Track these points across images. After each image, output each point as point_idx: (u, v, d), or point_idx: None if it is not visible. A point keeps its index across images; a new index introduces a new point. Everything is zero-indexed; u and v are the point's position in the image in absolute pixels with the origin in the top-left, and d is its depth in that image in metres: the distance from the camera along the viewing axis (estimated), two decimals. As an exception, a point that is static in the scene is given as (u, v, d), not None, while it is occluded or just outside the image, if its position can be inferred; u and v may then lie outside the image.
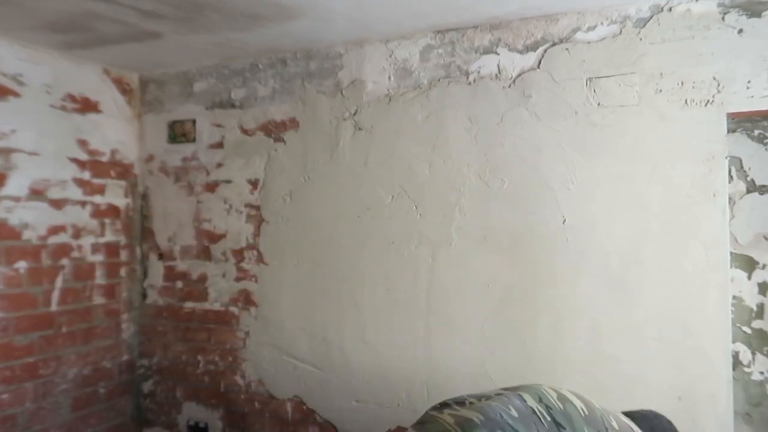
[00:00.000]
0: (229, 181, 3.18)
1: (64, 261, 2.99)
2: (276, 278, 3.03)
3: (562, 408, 1.27)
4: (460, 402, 1.29)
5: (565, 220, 2.39)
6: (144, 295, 3.42)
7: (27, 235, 2.82)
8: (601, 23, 2.35)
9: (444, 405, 1.29)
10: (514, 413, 1.22)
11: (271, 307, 3.05)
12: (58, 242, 2.96)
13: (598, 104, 2.34)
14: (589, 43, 2.37)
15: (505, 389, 1.34)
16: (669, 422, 1.66)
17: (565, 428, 1.24)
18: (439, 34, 2.65)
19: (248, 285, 3.11)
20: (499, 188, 2.51)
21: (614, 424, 1.30)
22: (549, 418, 1.25)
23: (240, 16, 2.45)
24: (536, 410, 1.25)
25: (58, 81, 2.97)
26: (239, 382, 3.12)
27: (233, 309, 3.15)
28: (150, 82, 3.42)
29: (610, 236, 2.31)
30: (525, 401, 1.27)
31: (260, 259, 3.08)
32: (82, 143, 3.10)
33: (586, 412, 1.28)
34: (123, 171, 3.34)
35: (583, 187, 2.36)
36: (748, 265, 2.37)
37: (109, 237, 3.25)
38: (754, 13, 2.12)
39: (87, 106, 3.13)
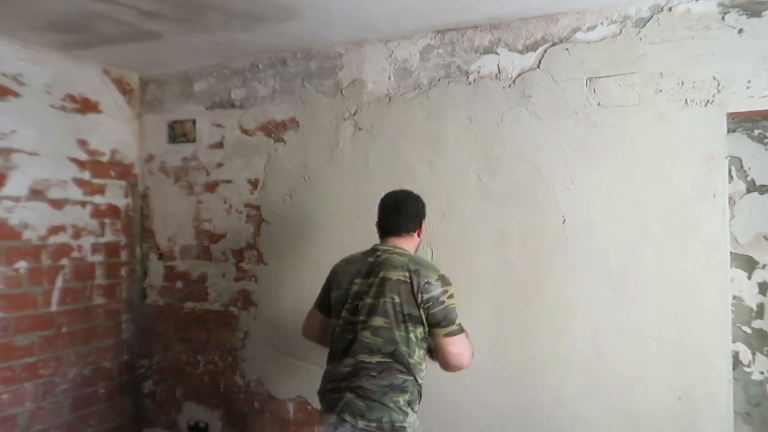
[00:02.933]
0: (229, 181, 3.18)
1: (64, 261, 2.99)
2: (276, 278, 3.03)
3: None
4: None
5: (565, 220, 2.39)
6: (144, 295, 3.42)
7: (27, 235, 2.82)
8: (601, 23, 2.35)
9: None
10: None
11: (270, 307, 3.05)
12: (58, 242, 2.96)
13: (598, 104, 2.34)
14: (589, 43, 2.37)
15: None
16: None
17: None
18: (439, 34, 2.65)
19: (248, 285, 3.11)
20: (498, 188, 2.51)
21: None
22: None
23: (240, 16, 2.45)
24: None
25: (58, 81, 2.97)
26: (239, 382, 3.12)
27: (233, 309, 3.15)
28: (150, 82, 3.42)
29: (610, 236, 2.31)
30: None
31: (260, 259, 3.08)
32: (82, 143, 3.10)
33: None
34: (123, 171, 3.34)
35: (583, 187, 2.36)
36: (748, 265, 2.36)
37: (109, 237, 3.25)
38: (754, 13, 2.12)
39: (87, 106, 3.13)
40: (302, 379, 2.93)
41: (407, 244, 2.08)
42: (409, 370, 1.92)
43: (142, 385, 3.41)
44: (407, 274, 1.92)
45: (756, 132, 2.35)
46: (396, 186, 2.68)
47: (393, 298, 1.92)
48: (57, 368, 2.94)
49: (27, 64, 2.82)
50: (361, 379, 1.91)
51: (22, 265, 2.79)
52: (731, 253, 2.24)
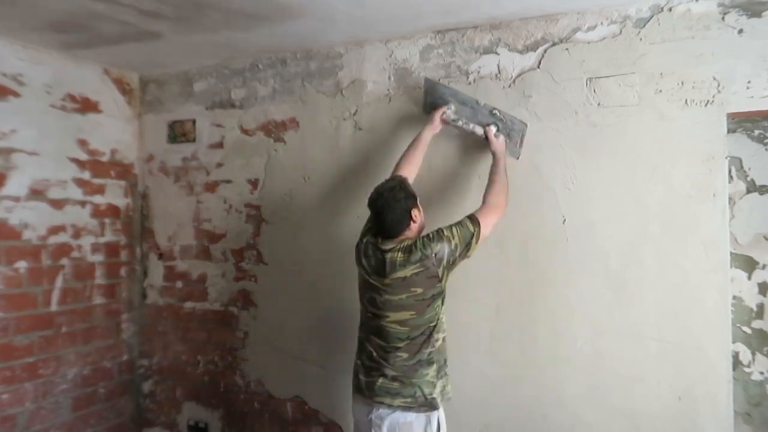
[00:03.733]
0: (229, 181, 3.18)
1: (64, 261, 2.99)
2: (276, 278, 3.03)
3: None
4: None
5: (565, 220, 2.39)
6: (144, 295, 3.42)
7: (27, 235, 2.82)
8: (601, 23, 2.35)
9: None
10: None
11: (270, 307, 3.05)
12: (58, 242, 2.96)
13: (598, 104, 2.34)
14: (589, 43, 2.37)
15: None
16: None
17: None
18: (439, 34, 2.65)
19: (248, 285, 3.11)
20: (499, 188, 2.51)
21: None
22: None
23: (240, 16, 2.45)
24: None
25: (58, 81, 2.97)
26: (239, 382, 3.12)
27: (233, 309, 3.15)
28: (150, 82, 3.42)
29: (610, 236, 2.31)
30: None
31: (260, 259, 3.08)
32: (82, 143, 3.10)
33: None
34: (123, 171, 3.34)
35: (583, 187, 2.36)
36: (748, 265, 2.36)
37: (109, 237, 3.25)
38: (754, 13, 2.12)
39: (87, 106, 3.13)
40: (301, 379, 2.93)
41: (408, 235, 2.10)
42: (431, 340, 2.05)
43: (142, 385, 3.41)
44: (418, 264, 2.00)
45: (756, 132, 2.35)
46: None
47: (414, 291, 2.01)
48: (57, 368, 2.94)
49: (27, 64, 2.82)
50: (391, 363, 2.04)
51: (22, 265, 2.79)
52: (731, 253, 2.24)
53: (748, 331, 2.35)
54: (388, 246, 2.06)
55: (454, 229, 2.05)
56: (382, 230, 2.10)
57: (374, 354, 2.10)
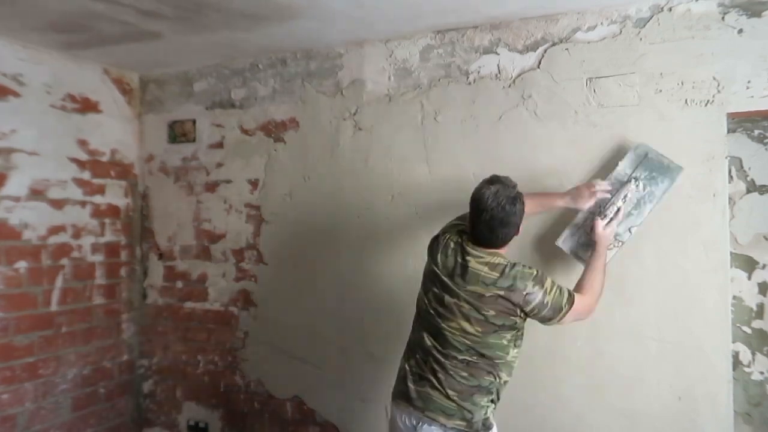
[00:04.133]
0: (229, 181, 3.18)
1: (64, 261, 2.99)
2: (276, 278, 3.03)
3: None
4: None
5: (564, 220, 2.38)
6: (144, 295, 3.42)
7: (27, 235, 2.82)
8: (601, 23, 2.35)
9: None
10: None
11: (270, 307, 3.05)
12: (58, 242, 2.96)
13: (598, 104, 2.34)
14: (589, 43, 2.37)
15: None
16: None
17: None
18: (439, 34, 2.65)
19: (248, 285, 3.11)
20: (499, 188, 2.51)
21: None
22: None
23: (240, 16, 2.45)
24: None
25: (58, 81, 2.97)
26: (238, 382, 3.12)
27: (233, 309, 3.15)
28: (150, 82, 3.42)
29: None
30: None
31: (260, 259, 3.08)
32: (82, 143, 3.10)
33: None
34: (123, 171, 3.34)
35: (583, 187, 2.36)
36: (748, 265, 2.36)
37: (109, 237, 3.25)
38: (754, 13, 2.12)
39: (87, 106, 3.13)
40: (302, 379, 2.93)
41: (500, 251, 1.93)
42: (496, 371, 1.91)
43: (142, 385, 3.41)
44: (502, 292, 1.83)
45: (756, 132, 2.35)
46: (396, 185, 2.70)
47: (485, 312, 1.85)
48: (57, 368, 2.94)
49: (27, 64, 2.82)
50: (450, 378, 1.88)
51: (22, 265, 2.79)
52: (731, 253, 2.24)
53: (748, 331, 2.35)
54: (477, 253, 1.89)
55: (555, 287, 1.88)
56: (480, 237, 1.90)
57: (428, 359, 1.93)
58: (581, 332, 2.34)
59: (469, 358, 1.88)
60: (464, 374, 1.88)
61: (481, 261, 1.88)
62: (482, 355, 1.88)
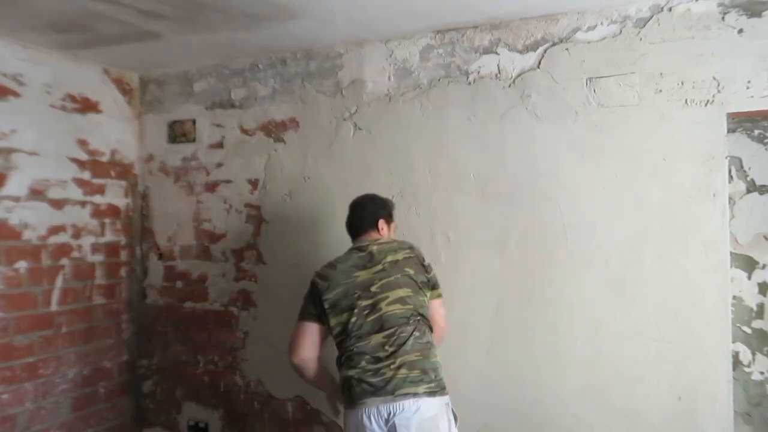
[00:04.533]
0: (229, 181, 3.18)
1: (64, 261, 2.99)
2: (276, 278, 3.03)
3: None
4: None
5: (565, 220, 2.39)
6: (144, 295, 3.42)
7: (27, 235, 2.82)
8: (601, 23, 2.35)
9: None
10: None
11: (270, 307, 3.05)
12: (58, 242, 2.96)
13: (598, 104, 2.34)
14: (589, 43, 2.37)
15: None
16: None
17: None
18: (439, 34, 2.65)
19: (248, 285, 3.11)
20: (498, 188, 2.51)
21: None
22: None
23: (240, 16, 2.45)
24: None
25: (58, 81, 2.97)
26: (239, 382, 3.12)
27: (233, 309, 3.15)
28: (150, 82, 3.42)
29: (610, 236, 2.31)
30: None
31: (260, 259, 3.08)
32: (82, 143, 3.10)
33: None
34: (123, 171, 3.34)
35: (583, 187, 2.36)
36: (748, 265, 2.36)
37: (109, 237, 3.25)
38: (754, 13, 2.12)
39: (87, 106, 3.13)
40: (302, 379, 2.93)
41: (383, 233, 2.23)
42: (431, 329, 2.12)
43: (142, 385, 3.41)
44: (408, 251, 2.16)
45: (756, 132, 2.35)
46: (396, 186, 2.71)
47: (407, 272, 2.10)
48: (57, 368, 2.94)
49: (27, 64, 2.82)
50: (406, 349, 1.99)
51: (22, 265, 2.79)
52: (731, 253, 2.24)
53: (748, 331, 2.35)
54: (368, 240, 2.19)
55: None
56: (359, 223, 2.24)
57: (379, 355, 1.99)
58: (581, 332, 2.34)
59: (415, 322, 2.04)
60: (417, 334, 2.03)
61: (378, 242, 2.16)
62: (421, 315, 2.08)
